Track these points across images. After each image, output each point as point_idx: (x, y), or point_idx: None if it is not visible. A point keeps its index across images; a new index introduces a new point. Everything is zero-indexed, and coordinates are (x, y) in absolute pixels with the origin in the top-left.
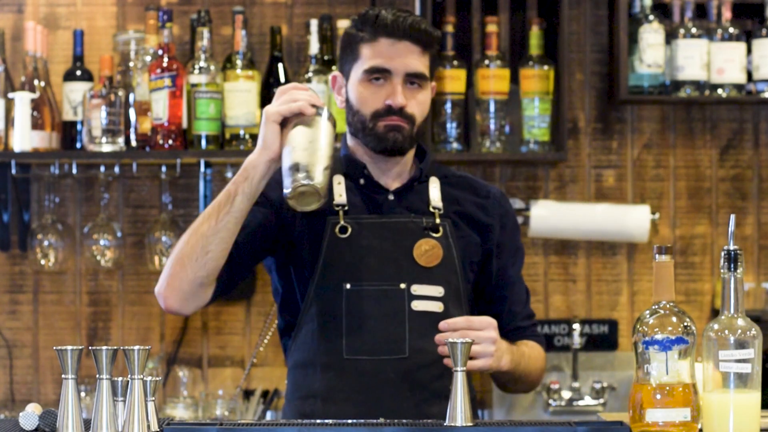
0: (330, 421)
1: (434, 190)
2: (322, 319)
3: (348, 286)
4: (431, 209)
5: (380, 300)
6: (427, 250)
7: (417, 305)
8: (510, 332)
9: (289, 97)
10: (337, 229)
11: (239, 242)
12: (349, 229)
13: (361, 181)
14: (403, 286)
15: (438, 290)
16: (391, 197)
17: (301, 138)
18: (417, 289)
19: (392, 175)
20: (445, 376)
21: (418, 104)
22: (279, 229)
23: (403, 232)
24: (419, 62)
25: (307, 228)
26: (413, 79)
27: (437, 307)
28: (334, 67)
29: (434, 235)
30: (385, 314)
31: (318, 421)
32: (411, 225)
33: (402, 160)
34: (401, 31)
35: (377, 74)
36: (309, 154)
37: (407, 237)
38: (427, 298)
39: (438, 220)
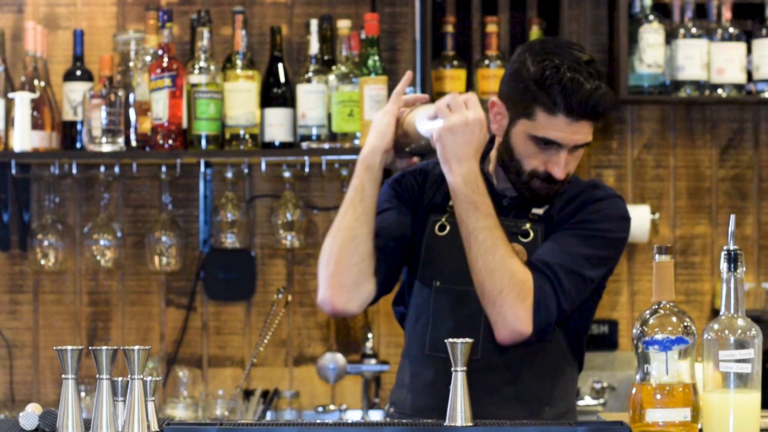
0: (330, 420)
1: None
2: (416, 314)
3: (437, 283)
4: (530, 215)
5: (462, 301)
6: None
7: None
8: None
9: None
10: (436, 227)
11: (390, 242)
12: (448, 228)
13: None
14: None
15: None
16: (504, 202)
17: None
18: None
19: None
20: (518, 382)
21: (574, 164)
22: (413, 222)
23: None
24: (590, 133)
25: (417, 223)
26: (579, 146)
27: None
28: (334, 67)
29: (523, 239)
30: (465, 315)
31: (318, 421)
32: (503, 228)
33: None
34: (583, 114)
35: (547, 143)
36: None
37: None
38: None
39: (530, 225)
